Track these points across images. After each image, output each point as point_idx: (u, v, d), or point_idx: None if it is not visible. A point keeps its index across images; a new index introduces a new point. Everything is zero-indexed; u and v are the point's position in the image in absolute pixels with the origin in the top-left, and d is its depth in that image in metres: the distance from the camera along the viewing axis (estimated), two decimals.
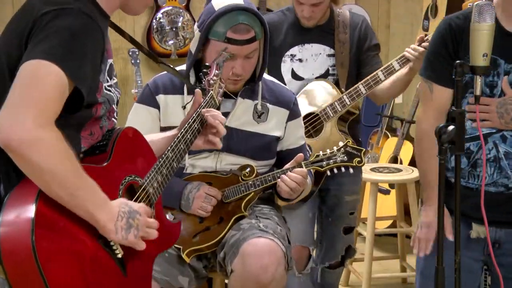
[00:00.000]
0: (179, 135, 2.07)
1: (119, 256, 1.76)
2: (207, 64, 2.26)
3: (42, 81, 1.61)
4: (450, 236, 2.24)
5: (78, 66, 1.65)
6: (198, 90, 2.15)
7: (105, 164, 1.80)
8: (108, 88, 1.85)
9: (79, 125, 1.79)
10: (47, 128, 1.59)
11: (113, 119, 1.94)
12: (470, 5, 2.90)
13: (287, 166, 2.46)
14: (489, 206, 2.08)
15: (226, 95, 2.39)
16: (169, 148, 2.03)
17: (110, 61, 1.87)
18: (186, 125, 2.10)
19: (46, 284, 1.58)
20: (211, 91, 2.19)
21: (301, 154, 2.48)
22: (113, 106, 1.91)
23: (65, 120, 1.70)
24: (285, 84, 3.14)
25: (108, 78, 1.85)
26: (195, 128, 2.11)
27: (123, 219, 1.72)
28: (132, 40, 2.15)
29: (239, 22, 2.38)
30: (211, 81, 2.21)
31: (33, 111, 1.57)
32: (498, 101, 2.15)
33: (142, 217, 1.77)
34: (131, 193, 1.88)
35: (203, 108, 2.14)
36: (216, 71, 2.24)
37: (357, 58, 3.16)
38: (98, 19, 1.74)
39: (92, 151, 1.86)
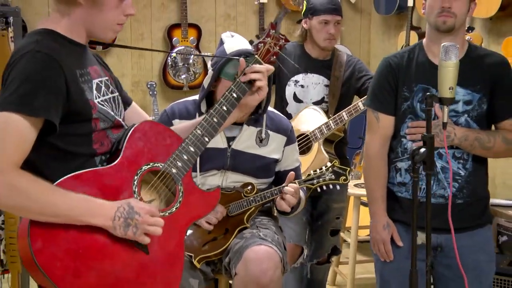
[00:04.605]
0: (212, 111, 1.99)
1: None
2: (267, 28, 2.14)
3: (0, 132, 1.63)
4: (399, 243, 2.46)
5: (36, 102, 1.64)
6: (242, 59, 2.06)
7: (115, 162, 1.80)
8: (102, 102, 1.84)
9: (87, 140, 1.80)
10: (7, 173, 1.62)
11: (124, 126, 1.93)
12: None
13: (283, 185, 2.52)
14: (431, 215, 2.13)
15: (234, 122, 2.26)
16: (198, 126, 1.97)
17: (95, 81, 1.84)
18: (222, 98, 2.01)
19: (49, 279, 1.65)
20: (256, 56, 2.08)
21: (292, 172, 2.52)
22: (117, 118, 1.89)
23: (75, 140, 1.76)
24: (287, 104, 3.39)
25: (98, 95, 1.84)
26: (233, 97, 2.02)
27: (120, 218, 1.73)
28: (153, 50, 2.13)
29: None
30: (259, 45, 2.09)
31: None
32: (433, 123, 2.18)
33: (142, 217, 1.76)
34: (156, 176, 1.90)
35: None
36: (272, 30, 2.10)
37: (352, 90, 3.40)
38: (63, 49, 1.73)
39: (112, 151, 1.88)
